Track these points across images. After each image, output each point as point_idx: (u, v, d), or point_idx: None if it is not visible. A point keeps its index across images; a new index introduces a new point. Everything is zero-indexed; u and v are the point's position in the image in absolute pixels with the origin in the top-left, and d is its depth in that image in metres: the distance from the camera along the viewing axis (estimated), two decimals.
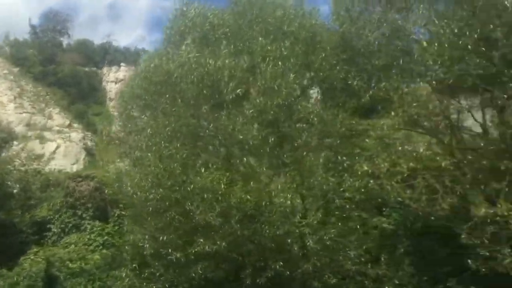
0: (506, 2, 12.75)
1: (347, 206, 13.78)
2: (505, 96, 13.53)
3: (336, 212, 14.51)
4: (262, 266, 13.51)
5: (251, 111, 13.54)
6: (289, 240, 13.18)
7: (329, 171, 14.28)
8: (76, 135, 56.04)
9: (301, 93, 16.59)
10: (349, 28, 16.13)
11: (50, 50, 69.45)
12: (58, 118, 59.01)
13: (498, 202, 12.42)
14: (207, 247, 12.93)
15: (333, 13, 17.24)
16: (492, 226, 12.43)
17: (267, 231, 13.09)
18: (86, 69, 69.67)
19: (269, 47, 15.20)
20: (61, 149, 54.21)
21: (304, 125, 15.21)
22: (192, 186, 13.17)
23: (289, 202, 13.13)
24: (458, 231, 12.94)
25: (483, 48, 13.29)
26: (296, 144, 15.35)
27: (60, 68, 66.64)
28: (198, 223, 13.28)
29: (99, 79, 70.09)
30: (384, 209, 17.48)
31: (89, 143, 54.81)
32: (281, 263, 13.12)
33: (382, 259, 14.77)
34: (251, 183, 13.32)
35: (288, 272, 13.22)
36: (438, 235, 15.41)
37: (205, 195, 12.99)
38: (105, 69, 71.35)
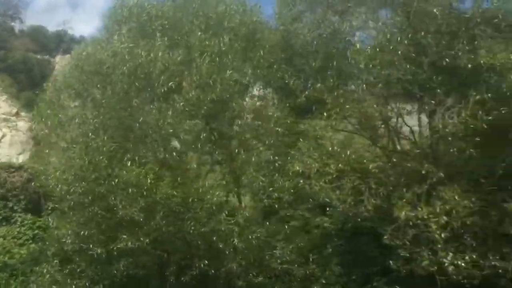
0: (435, 10, 13.06)
1: (276, 206, 13.71)
2: (433, 102, 13.88)
3: (268, 211, 14.53)
4: (187, 264, 13.28)
5: (181, 103, 13.26)
6: (214, 238, 13.00)
7: (261, 170, 14.21)
8: (24, 124, 53.72)
9: (243, 90, 16.51)
10: (289, 27, 16.17)
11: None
12: (4, 106, 56.24)
13: (419, 206, 12.71)
14: (130, 243, 12.57)
15: (276, 12, 17.27)
16: (413, 229, 12.71)
17: (193, 228, 12.87)
18: (38, 56, 66.85)
19: (207, 42, 14.99)
20: (7, 138, 51.79)
21: (240, 122, 15.14)
22: (117, 180, 12.77)
23: (215, 199, 12.94)
24: (382, 232, 13.17)
25: (413, 54, 13.62)
26: (231, 141, 15.27)
27: (11, 54, 63.56)
28: (122, 219, 12.89)
29: (51, 67, 67.42)
30: (328, 208, 17.59)
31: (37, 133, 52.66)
32: (206, 261, 12.93)
33: (311, 259, 14.81)
34: (179, 178, 13.05)
35: (213, 271, 13.04)
36: (366, 236, 15.64)
37: (130, 190, 12.62)
38: (57, 58, 68.78)
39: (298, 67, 16.02)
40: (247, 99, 16.87)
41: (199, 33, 15.21)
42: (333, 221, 17.53)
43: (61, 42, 73.66)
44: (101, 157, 12.96)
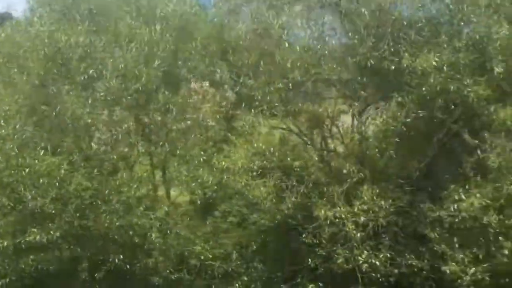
0: (363, 10, 13.15)
1: (199, 202, 13.47)
2: (356, 103, 14.05)
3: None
4: (101, 259, 12.77)
5: (102, 93, 12.73)
6: (131, 232, 12.58)
7: (185, 163, 13.91)
8: None
9: (176, 82, 16.10)
10: (224, 20, 15.87)
11: None
12: None
13: (338, 205, 12.81)
14: (39, 236, 11.93)
15: (214, 4, 16.93)
16: (331, 227, 12.82)
17: (108, 221, 12.40)
18: None
19: (137, 30, 14.51)
20: None
21: (167, 114, 14.75)
22: (27, 169, 12.09)
23: (133, 192, 12.54)
24: (301, 230, 13.22)
25: (340, 54, 13.71)
26: (158, 134, 14.87)
27: None
28: (32, 210, 12.23)
29: None
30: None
31: None
32: (121, 256, 12.49)
33: (234, 256, 14.63)
34: (95, 170, 12.54)
35: (128, 266, 12.62)
36: (293, 233, 15.59)
37: (41, 180, 11.99)
38: None
39: (232, 62, 15.73)
40: (181, 91, 16.45)
41: (130, 21, 14.72)
42: (267, 217, 17.45)
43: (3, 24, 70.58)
44: (11, 145, 12.22)
